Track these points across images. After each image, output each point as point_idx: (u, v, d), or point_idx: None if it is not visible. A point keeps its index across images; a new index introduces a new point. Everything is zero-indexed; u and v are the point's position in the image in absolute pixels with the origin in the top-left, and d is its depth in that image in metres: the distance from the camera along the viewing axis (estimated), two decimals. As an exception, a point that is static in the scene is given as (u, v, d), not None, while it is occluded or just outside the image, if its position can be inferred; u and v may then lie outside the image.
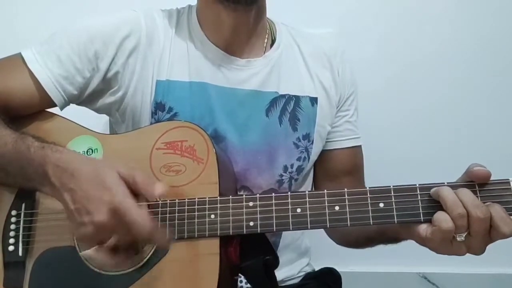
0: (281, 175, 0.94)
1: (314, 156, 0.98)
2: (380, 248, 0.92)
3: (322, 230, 1.03)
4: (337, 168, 1.01)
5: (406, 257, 1.36)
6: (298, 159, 0.95)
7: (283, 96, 0.94)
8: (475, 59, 1.41)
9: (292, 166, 0.95)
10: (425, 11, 1.41)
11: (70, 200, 0.70)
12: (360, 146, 1.03)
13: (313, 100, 0.96)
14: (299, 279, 1.03)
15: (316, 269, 1.07)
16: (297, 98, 0.95)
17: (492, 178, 0.68)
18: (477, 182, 0.68)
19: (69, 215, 0.72)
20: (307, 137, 0.95)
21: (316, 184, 1.04)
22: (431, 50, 1.42)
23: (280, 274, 0.96)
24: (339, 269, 1.06)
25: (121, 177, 0.70)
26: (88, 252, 0.71)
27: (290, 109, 0.94)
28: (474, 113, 1.42)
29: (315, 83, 0.97)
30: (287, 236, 1.01)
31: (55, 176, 0.72)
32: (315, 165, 1.01)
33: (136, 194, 0.71)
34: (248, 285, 0.89)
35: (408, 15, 1.41)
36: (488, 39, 1.40)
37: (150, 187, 0.71)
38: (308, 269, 1.06)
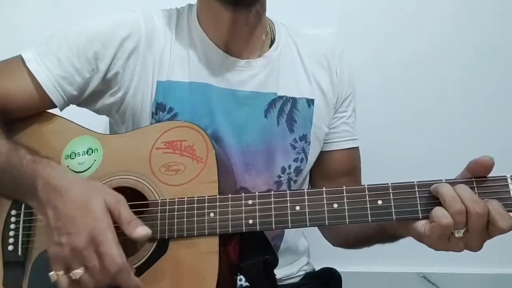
0: (279, 176, 0.94)
1: (312, 157, 0.98)
2: (380, 248, 0.92)
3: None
4: (334, 169, 1.01)
5: (406, 257, 1.36)
6: (295, 160, 0.95)
7: (281, 97, 0.94)
8: (474, 59, 1.41)
9: (289, 167, 0.95)
10: (424, 11, 1.41)
11: (53, 218, 0.69)
12: (357, 148, 1.03)
13: (310, 102, 0.97)
14: (299, 278, 1.03)
15: (316, 269, 1.07)
16: (294, 100, 0.95)
17: (489, 175, 0.68)
18: (477, 177, 0.68)
19: (48, 232, 0.71)
20: (304, 138, 0.96)
21: (312, 185, 1.04)
22: (430, 50, 1.42)
23: (279, 272, 0.96)
24: (339, 269, 1.05)
25: (108, 206, 0.69)
26: (54, 275, 0.69)
27: (287, 110, 0.94)
28: (472, 113, 1.42)
29: (312, 84, 0.97)
30: (288, 240, 1.01)
31: (43, 191, 0.71)
32: (312, 166, 1.01)
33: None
34: (247, 284, 0.89)
35: (407, 16, 1.42)
36: (488, 39, 1.40)
37: (132, 226, 0.70)
38: (307, 269, 1.06)
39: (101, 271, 0.67)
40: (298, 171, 0.96)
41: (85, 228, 0.67)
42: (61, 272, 0.68)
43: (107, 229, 0.67)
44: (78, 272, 0.67)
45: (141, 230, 0.70)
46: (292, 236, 1.03)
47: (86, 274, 0.67)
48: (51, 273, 0.69)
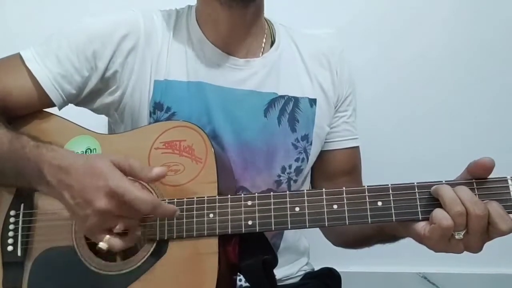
0: (279, 176, 0.94)
1: (313, 157, 0.98)
2: (380, 248, 0.92)
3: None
4: (335, 169, 1.01)
5: (406, 257, 1.36)
6: (297, 160, 0.95)
7: (282, 97, 0.94)
8: (474, 60, 1.41)
9: (290, 167, 0.95)
10: (424, 12, 1.41)
11: (69, 197, 0.71)
12: (357, 147, 1.03)
13: (312, 101, 0.96)
14: (299, 278, 1.03)
15: (316, 269, 1.07)
16: (296, 99, 0.95)
17: (490, 176, 0.68)
18: (477, 178, 0.68)
19: (71, 212, 0.72)
20: (306, 138, 0.95)
21: (313, 185, 1.04)
22: (431, 51, 1.42)
23: (279, 273, 0.96)
24: (339, 269, 1.05)
25: (115, 164, 0.71)
26: (103, 244, 0.71)
27: (289, 110, 0.94)
28: (473, 114, 1.42)
29: (314, 84, 0.97)
30: (287, 239, 1.01)
31: (50, 174, 0.72)
32: (312, 165, 1.01)
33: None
34: (247, 284, 0.89)
35: (408, 16, 1.41)
36: (489, 41, 1.40)
37: (146, 169, 0.72)
38: (307, 269, 1.06)
39: (137, 214, 0.70)
40: (298, 170, 0.96)
41: (99, 190, 0.68)
42: (107, 237, 0.71)
43: (121, 180, 0.69)
44: (119, 226, 0.70)
45: (157, 170, 0.72)
46: (292, 236, 1.03)
47: (127, 223, 0.71)
48: (99, 244, 0.71)
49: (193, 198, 0.76)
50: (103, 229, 0.71)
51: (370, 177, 1.01)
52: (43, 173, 0.72)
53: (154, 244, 0.76)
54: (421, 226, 0.69)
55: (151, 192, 0.78)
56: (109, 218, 0.70)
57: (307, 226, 0.73)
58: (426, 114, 1.43)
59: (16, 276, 0.80)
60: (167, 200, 0.77)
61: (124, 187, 0.68)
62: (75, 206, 0.70)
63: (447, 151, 1.40)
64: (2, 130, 0.79)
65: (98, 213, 0.69)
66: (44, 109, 0.89)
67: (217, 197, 0.76)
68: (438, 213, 0.66)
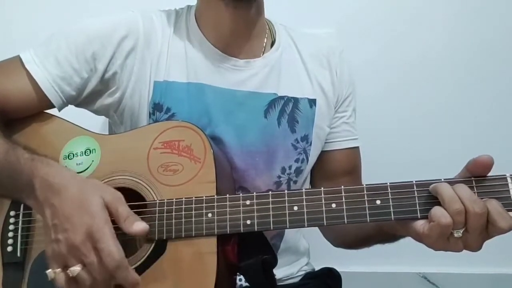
0: (279, 177, 0.94)
1: (313, 158, 0.98)
2: (380, 248, 0.92)
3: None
4: (335, 169, 1.01)
5: (406, 257, 1.36)
6: (296, 160, 0.95)
7: (281, 97, 0.94)
8: (473, 59, 1.41)
9: (290, 167, 0.94)
10: (424, 12, 1.41)
11: (50, 215, 0.69)
12: (357, 147, 1.03)
13: (312, 102, 0.96)
14: (299, 278, 1.03)
15: (316, 269, 1.07)
16: (295, 100, 0.95)
17: (489, 174, 0.68)
18: (476, 176, 0.68)
19: (45, 230, 0.70)
20: (306, 138, 0.95)
21: (313, 185, 1.04)
22: (431, 51, 1.42)
23: (279, 273, 0.96)
24: (339, 269, 1.05)
25: (106, 204, 0.69)
26: (51, 272, 0.68)
27: (289, 110, 0.94)
28: (472, 112, 1.42)
29: (314, 84, 0.97)
30: (287, 239, 1.01)
31: (40, 189, 0.71)
32: (312, 166, 1.01)
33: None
34: (247, 284, 0.89)
35: (408, 16, 1.41)
36: (490, 42, 1.40)
37: (129, 222, 0.70)
38: (307, 269, 1.05)
39: (99, 268, 0.66)
40: (298, 171, 0.96)
41: (82, 225, 0.67)
42: (58, 270, 0.68)
43: (105, 225, 0.67)
44: (75, 269, 0.67)
45: (138, 225, 0.70)
46: (292, 236, 1.03)
47: (84, 271, 0.67)
48: (49, 270, 0.69)
49: (192, 197, 0.76)
50: (62, 261, 0.68)
51: (370, 177, 1.00)
52: (34, 187, 0.71)
53: (153, 244, 0.76)
54: (420, 225, 0.69)
55: (150, 192, 0.79)
56: (74, 254, 0.67)
57: (306, 225, 0.73)
58: (426, 114, 1.43)
59: (16, 276, 0.80)
60: (165, 200, 0.77)
61: (104, 233, 0.66)
62: (52, 226, 0.69)
63: (447, 151, 1.40)
64: None
65: (68, 245, 0.67)
66: (44, 111, 0.89)
67: (215, 196, 0.76)
68: (437, 210, 0.66)
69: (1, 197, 0.83)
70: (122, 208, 0.70)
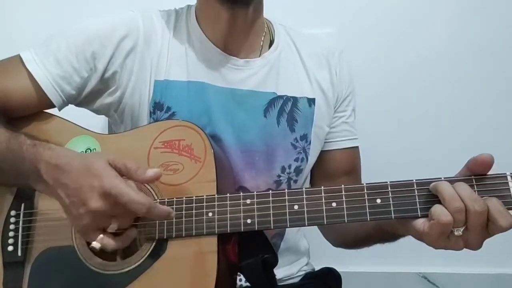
0: (279, 176, 0.94)
1: (312, 157, 0.98)
2: (380, 248, 0.92)
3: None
4: (334, 169, 1.01)
5: (406, 257, 1.36)
6: (296, 159, 0.95)
7: (281, 97, 0.94)
8: (473, 59, 1.41)
9: (290, 167, 0.95)
10: (425, 12, 1.41)
11: (65, 195, 0.71)
12: (357, 147, 1.03)
13: (311, 101, 0.96)
14: (299, 278, 1.03)
15: (316, 269, 1.07)
16: (294, 99, 0.95)
17: (489, 173, 0.68)
18: (476, 174, 0.68)
19: (66, 211, 0.72)
20: (305, 137, 0.95)
21: (313, 185, 1.04)
22: (431, 51, 1.42)
23: (279, 272, 0.96)
24: (339, 269, 1.05)
25: (111, 163, 0.71)
26: (95, 244, 0.71)
27: (288, 110, 0.94)
28: (472, 111, 1.42)
29: (313, 84, 0.97)
30: (288, 239, 1.01)
31: (47, 173, 0.72)
32: (312, 165, 1.01)
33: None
34: (247, 283, 0.89)
35: (408, 16, 1.41)
36: (490, 42, 1.40)
37: (141, 170, 0.72)
38: (307, 269, 1.05)
39: (130, 215, 0.70)
40: (298, 170, 0.96)
41: (94, 189, 0.69)
42: (100, 236, 0.71)
43: (115, 180, 0.69)
44: (112, 226, 0.70)
45: (151, 171, 0.72)
46: (293, 236, 1.03)
47: (121, 222, 0.71)
48: (92, 244, 0.71)
49: (192, 197, 0.76)
50: (97, 228, 0.71)
51: (370, 176, 1.00)
52: (40, 172, 0.73)
53: (154, 243, 0.76)
54: (421, 223, 0.69)
55: (149, 191, 0.79)
56: (103, 218, 0.70)
57: (306, 224, 0.73)
58: (426, 114, 1.43)
59: (17, 276, 0.80)
60: (166, 200, 0.77)
61: (119, 187, 0.68)
62: (70, 205, 0.71)
63: (447, 150, 1.40)
64: (1, 129, 0.80)
65: (92, 213, 0.69)
66: (44, 110, 0.90)
67: (216, 196, 0.76)
68: (437, 209, 0.66)
69: (6, 185, 0.83)
70: (130, 162, 0.72)
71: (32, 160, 0.74)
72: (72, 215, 0.71)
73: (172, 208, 0.76)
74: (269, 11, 0.97)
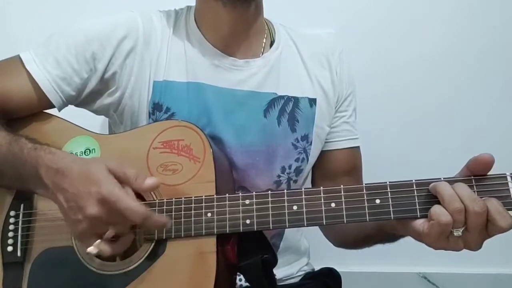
0: (279, 176, 0.94)
1: (313, 157, 0.98)
2: (380, 248, 0.92)
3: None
4: (335, 169, 1.01)
5: (406, 257, 1.35)
6: (297, 160, 0.95)
7: (281, 97, 0.94)
8: (473, 59, 1.41)
9: (290, 167, 0.94)
10: (425, 13, 1.41)
11: (63, 200, 0.71)
12: (358, 147, 1.03)
13: (312, 101, 0.96)
14: (299, 278, 1.03)
15: (316, 269, 1.07)
16: (295, 99, 0.95)
17: (489, 173, 0.68)
18: (476, 174, 0.68)
19: (64, 215, 0.72)
20: (306, 138, 0.95)
21: (313, 185, 1.04)
22: (431, 51, 1.41)
23: (279, 273, 0.96)
24: (339, 269, 1.05)
25: (111, 171, 0.71)
26: (91, 249, 0.71)
27: (289, 110, 0.94)
28: (472, 111, 1.42)
29: (314, 84, 0.97)
30: (288, 239, 1.01)
31: (47, 177, 0.72)
32: (313, 165, 1.01)
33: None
34: (247, 283, 0.89)
35: (408, 17, 1.41)
36: (490, 42, 1.39)
37: (140, 179, 0.72)
38: (307, 269, 1.05)
39: (127, 223, 0.70)
40: (298, 171, 0.96)
41: (92, 195, 0.68)
42: (97, 242, 0.71)
43: (114, 188, 0.69)
44: (109, 233, 0.70)
45: (149, 180, 0.72)
46: (293, 236, 1.03)
47: (118, 229, 0.71)
48: (88, 249, 0.71)
49: (191, 197, 0.76)
50: (94, 234, 0.71)
51: (370, 177, 1.00)
52: (40, 176, 0.73)
53: (153, 244, 0.76)
54: (420, 223, 0.69)
55: (149, 192, 0.78)
56: (100, 224, 0.70)
57: (305, 225, 0.73)
58: (426, 114, 1.43)
59: (16, 276, 0.81)
60: (165, 200, 0.77)
61: (116, 195, 0.68)
62: (68, 210, 0.71)
63: (446, 151, 1.39)
64: (1, 132, 0.79)
65: (89, 219, 0.69)
66: (44, 110, 0.89)
67: (215, 196, 0.76)
68: (436, 209, 0.66)
69: (7, 188, 0.84)
70: (129, 170, 0.72)
71: (33, 164, 0.74)
72: (70, 220, 0.71)
73: (171, 208, 0.77)
74: (269, 11, 0.97)
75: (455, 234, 0.66)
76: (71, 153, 0.82)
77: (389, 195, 0.70)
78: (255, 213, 0.74)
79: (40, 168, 0.73)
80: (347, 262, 1.32)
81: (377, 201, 0.70)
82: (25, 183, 0.76)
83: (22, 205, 0.83)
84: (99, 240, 0.71)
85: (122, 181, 0.71)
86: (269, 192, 0.75)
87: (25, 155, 0.75)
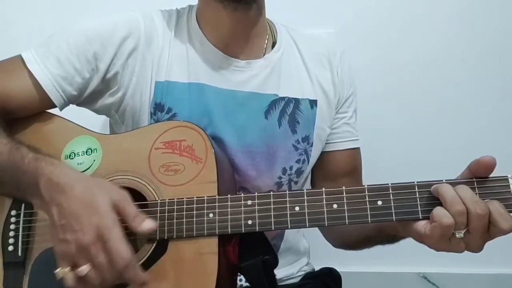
0: (280, 177, 0.94)
1: (313, 158, 0.98)
2: (380, 248, 0.92)
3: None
4: (335, 170, 1.01)
5: (406, 257, 1.36)
6: (297, 161, 0.95)
7: (282, 98, 0.94)
8: (474, 59, 1.41)
9: (291, 168, 0.94)
10: (425, 13, 1.41)
11: (57, 215, 0.69)
12: (358, 148, 1.03)
13: (313, 103, 0.96)
14: (299, 278, 1.03)
15: (316, 269, 1.07)
16: (296, 101, 0.95)
17: (491, 175, 0.68)
18: (478, 177, 0.68)
19: (52, 229, 0.70)
20: (307, 139, 0.95)
21: (313, 186, 1.04)
22: (431, 51, 1.41)
23: (279, 273, 0.96)
24: (339, 269, 1.06)
25: (115, 203, 0.69)
26: (60, 272, 0.68)
27: (290, 111, 0.94)
28: (473, 113, 1.42)
29: (315, 85, 0.97)
30: (288, 239, 1.01)
31: (45, 189, 0.71)
32: (313, 166, 1.01)
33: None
34: (247, 284, 0.89)
35: (408, 17, 1.41)
36: (490, 42, 1.39)
37: (138, 220, 0.70)
38: (307, 269, 1.06)
39: (108, 267, 0.66)
40: (299, 172, 0.96)
41: (92, 225, 0.66)
42: (67, 269, 0.68)
43: (114, 225, 0.67)
44: (84, 268, 0.67)
45: (146, 224, 0.70)
46: (293, 236, 1.03)
47: (93, 271, 0.67)
48: (57, 270, 0.69)
49: (193, 197, 0.76)
50: (72, 260, 0.68)
51: (370, 177, 1.00)
52: (38, 186, 0.71)
53: (154, 244, 0.76)
54: (422, 225, 0.69)
55: (151, 192, 0.79)
56: (83, 254, 0.67)
57: (307, 226, 0.73)
58: (426, 115, 1.43)
59: (17, 276, 0.80)
60: (167, 200, 0.77)
61: (113, 233, 0.66)
62: (59, 226, 0.68)
63: (448, 152, 1.40)
64: (2, 139, 0.79)
65: (78, 244, 0.67)
66: (45, 110, 0.89)
67: (217, 196, 0.76)
68: (439, 211, 0.66)
69: (4, 195, 0.83)
70: (130, 207, 0.70)
71: (33, 174, 0.72)
72: (57, 236, 0.69)
73: (173, 208, 0.76)
74: (269, 11, 0.96)
75: (457, 236, 0.66)
76: (72, 158, 0.82)
77: (391, 197, 0.70)
78: (257, 214, 0.74)
79: (39, 179, 0.71)
80: (347, 262, 1.32)
81: (379, 202, 0.70)
82: (23, 192, 0.76)
83: (23, 205, 0.82)
84: (68, 269, 0.68)
85: (120, 216, 0.69)
86: (271, 193, 0.75)
87: (25, 165, 0.74)
